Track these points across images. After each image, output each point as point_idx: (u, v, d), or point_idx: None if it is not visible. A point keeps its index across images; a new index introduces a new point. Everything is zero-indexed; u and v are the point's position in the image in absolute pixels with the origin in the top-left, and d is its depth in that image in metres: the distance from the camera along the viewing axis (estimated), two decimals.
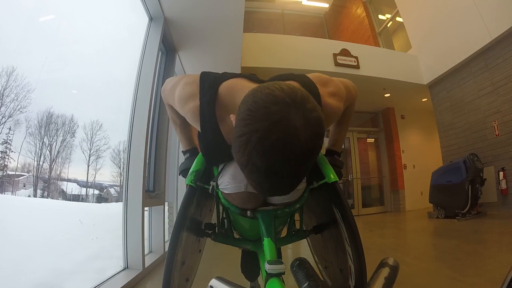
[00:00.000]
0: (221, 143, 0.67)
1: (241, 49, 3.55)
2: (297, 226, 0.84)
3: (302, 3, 8.07)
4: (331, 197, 0.72)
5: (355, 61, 5.37)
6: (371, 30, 7.11)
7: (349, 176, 6.65)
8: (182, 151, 0.94)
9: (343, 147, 6.32)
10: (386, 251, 2.68)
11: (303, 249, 2.63)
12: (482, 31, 4.25)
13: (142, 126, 2.31)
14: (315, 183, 0.73)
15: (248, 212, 0.67)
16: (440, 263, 2.15)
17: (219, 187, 0.70)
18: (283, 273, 0.54)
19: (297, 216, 0.81)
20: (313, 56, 5.28)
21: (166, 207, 3.06)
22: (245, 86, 0.63)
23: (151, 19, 2.64)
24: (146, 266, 2.12)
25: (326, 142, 0.77)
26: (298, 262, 0.52)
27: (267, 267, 0.53)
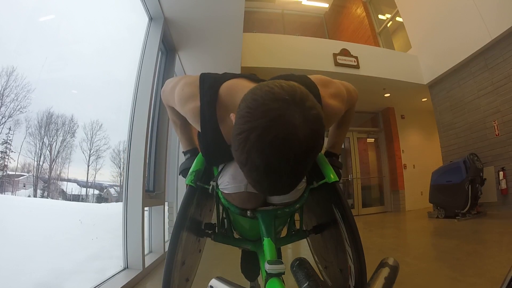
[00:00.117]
0: (221, 143, 0.67)
1: (241, 49, 3.55)
2: (297, 226, 0.84)
3: (302, 3, 8.08)
4: (331, 197, 0.72)
5: (355, 61, 5.37)
6: (371, 30, 7.11)
7: (349, 176, 6.66)
8: (183, 152, 0.94)
9: (342, 147, 6.33)
10: (386, 251, 2.68)
11: (303, 249, 2.63)
12: (482, 31, 4.25)
13: (142, 126, 2.31)
14: (315, 183, 0.73)
15: (248, 212, 0.67)
16: (440, 263, 2.15)
17: (219, 187, 0.70)
18: (283, 273, 0.54)
19: (297, 216, 0.81)
20: (313, 56, 5.28)
21: (166, 207, 3.06)
22: (246, 86, 0.63)
23: (151, 19, 2.64)
24: (146, 266, 2.12)
25: (325, 143, 0.78)
26: (298, 262, 0.52)
27: (267, 267, 0.53)
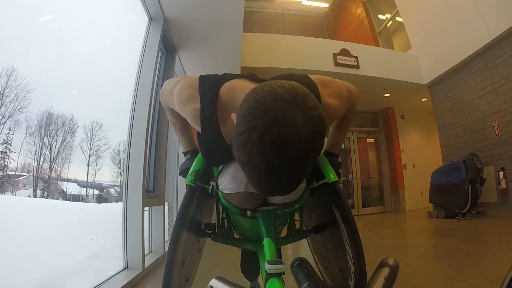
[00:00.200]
0: (221, 143, 0.67)
1: (241, 49, 3.55)
2: (297, 226, 0.84)
3: (302, 3, 8.08)
4: (331, 197, 0.72)
5: (355, 61, 5.37)
6: (371, 30, 7.11)
7: (349, 176, 6.66)
8: (183, 152, 0.94)
9: (342, 147, 6.33)
10: (386, 251, 2.68)
11: (303, 249, 2.63)
12: (482, 31, 4.25)
13: (142, 126, 2.30)
14: (315, 183, 0.73)
15: (248, 212, 0.67)
16: (440, 263, 2.15)
17: (219, 187, 0.70)
18: (283, 273, 0.54)
19: (297, 216, 0.81)
20: (313, 56, 5.28)
21: (166, 207, 3.06)
22: (246, 87, 0.63)
23: (151, 19, 2.64)
24: (146, 266, 2.12)
25: (325, 143, 0.78)
26: (298, 262, 0.52)
27: (267, 267, 0.53)
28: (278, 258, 0.57)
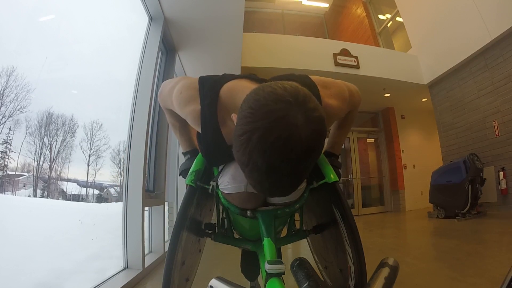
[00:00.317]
0: (221, 143, 0.67)
1: (241, 49, 3.55)
2: (297, 226, 0.83)
3: (302, 3, 8.08)
4: (331, 197, 0.72)
5: (355, 61, 5.37)
6: (371, 30, 7.11)
7: (349, 176, 6.66)
8: (182, 153, 0.94)
9: (342, 147, 6.33)
10: (386, 251, 2.68)
11: (303, 249, 2.63)
12: (482, 31, 4.25)
13: (142, 126, 2.31)
14: (315, 183, 0.73)
15: (248, 212, 0.67)
16: (440, 263, 2.15)
17: (219, 187, 0.70)
18: (283, 273, 0.54)
19: (297, 216, 0.81)
20: (313, 56, 5.28)
21: (166, 207, 3.06)
22: (246, 87, 0.63)
23: (151, 19, 2.64)
24: (146, 266, 2.13)
25: (325, 143, 0.77)
26: (298, 262, 0.52)
27: (267, 267, 0.53)
28: (278, 258, 0.57)
